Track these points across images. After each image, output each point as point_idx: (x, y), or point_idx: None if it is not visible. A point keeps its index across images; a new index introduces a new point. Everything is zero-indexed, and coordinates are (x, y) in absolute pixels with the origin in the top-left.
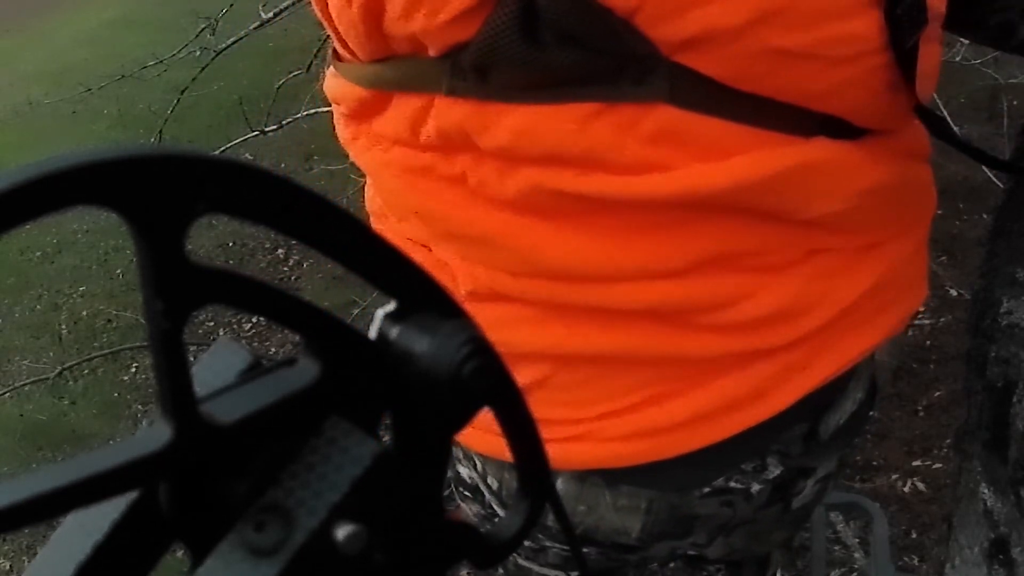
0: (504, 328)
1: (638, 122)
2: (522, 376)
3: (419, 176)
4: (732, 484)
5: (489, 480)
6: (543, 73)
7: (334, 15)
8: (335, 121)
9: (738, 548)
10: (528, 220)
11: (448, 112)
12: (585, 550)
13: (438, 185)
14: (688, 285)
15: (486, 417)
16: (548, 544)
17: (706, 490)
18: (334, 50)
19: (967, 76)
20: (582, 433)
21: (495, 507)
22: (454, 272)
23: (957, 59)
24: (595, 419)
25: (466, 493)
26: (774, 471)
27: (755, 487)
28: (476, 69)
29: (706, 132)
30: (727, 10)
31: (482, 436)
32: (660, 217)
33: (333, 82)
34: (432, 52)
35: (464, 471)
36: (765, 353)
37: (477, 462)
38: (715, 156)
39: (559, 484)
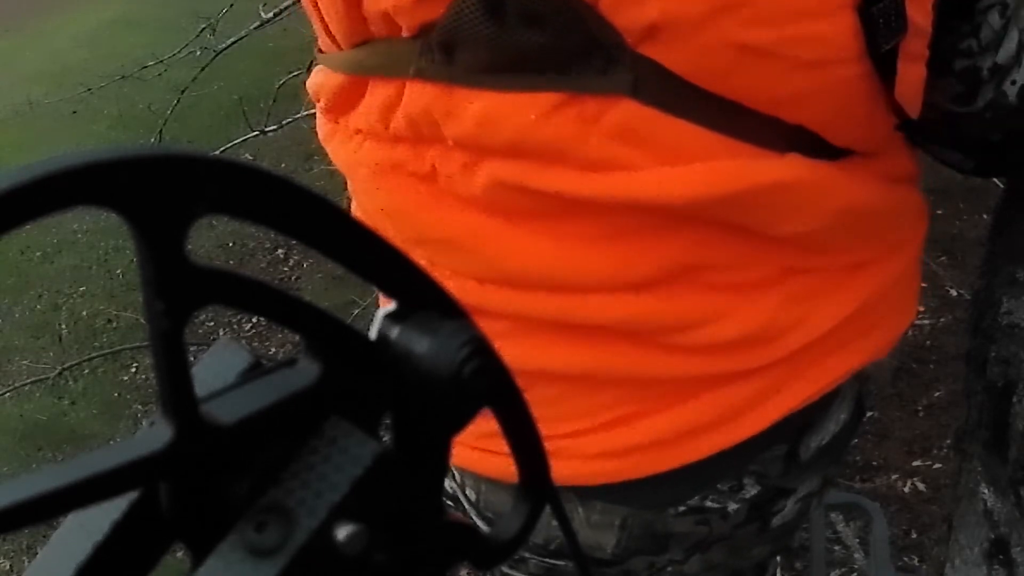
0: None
1: (601, 116)
2: None
3: (389, 173)
4: (708, 503)
5: (467, 492)
6: (507, 55)
7: (322, 3)
8: (316, 122)
9: (717, 564)
10: (495, 222)
11: (417, 97)
12: (563, 563)
13: (407, 182)
14: (655, 301)
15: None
16: (528, 555)
17: (681, 508)
18: (318, 47)
19: None
20: (553, 450)
21: (474, 518)
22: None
23: None
24: (566, 436)
25: (448, 503)
26: (751, 491)
27: (732, 506)
28: (443, 48)
29: (670, 133)
30: None
31: (457, 449)
32: (625, 222)
33: (314, 77)
34: (405, 32)
35: (446, 481)
36: (739, 375)
37: (455, 473)
38: (679, 160)
39: None
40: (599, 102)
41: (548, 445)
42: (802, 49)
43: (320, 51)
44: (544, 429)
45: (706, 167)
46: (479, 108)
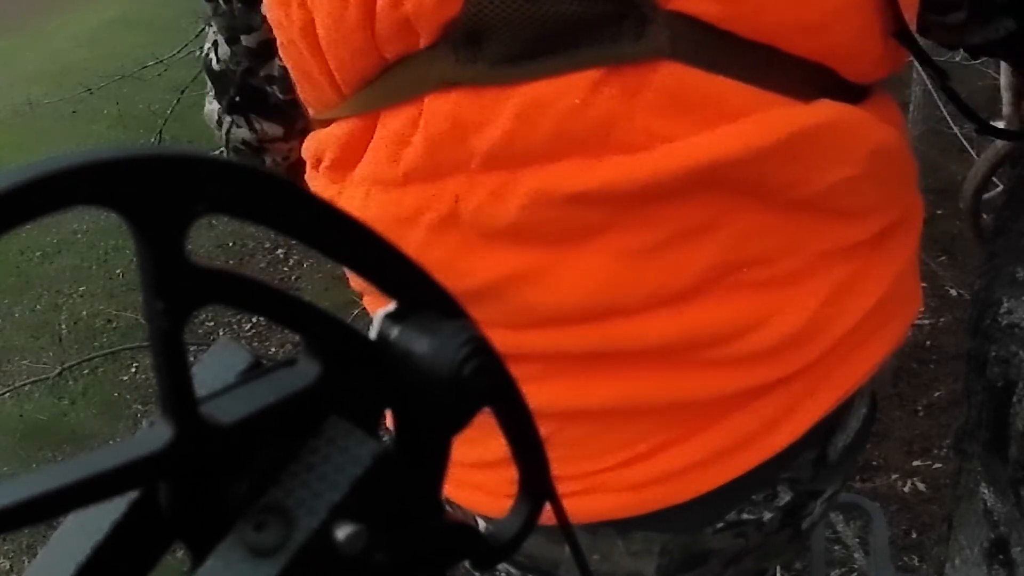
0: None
1: (643, 86)
2: None
3: (406, 227)
4: (744, 516)
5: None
6: (537, 33)
7: (326, 40)
8: (317, 189)
9: (746, 571)
10: (529, 255)
11: (440, 111)
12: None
13: (428, 234)
14: (696, 313)
15: (454, 472)
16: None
17: (719, 525)
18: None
19: (967, 76)
20: (592, 486)
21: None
22: None
23: (957, 59)
24: (604, 471)
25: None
26: (784, 498)
27: (766, 515)
28: (468, 42)
29: (712, 92)
30: None
31: (456, 491)
32: (664, 227)
33: (313, 138)
34: (424, 41)
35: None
36: (775, 384)
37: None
38: (724, 120)
39: None
40: (639, 71)
41: (587, 481)
42: None
43: (314, 115)
44: (581, 466)
45: (752, 120)
46: (517, 103)
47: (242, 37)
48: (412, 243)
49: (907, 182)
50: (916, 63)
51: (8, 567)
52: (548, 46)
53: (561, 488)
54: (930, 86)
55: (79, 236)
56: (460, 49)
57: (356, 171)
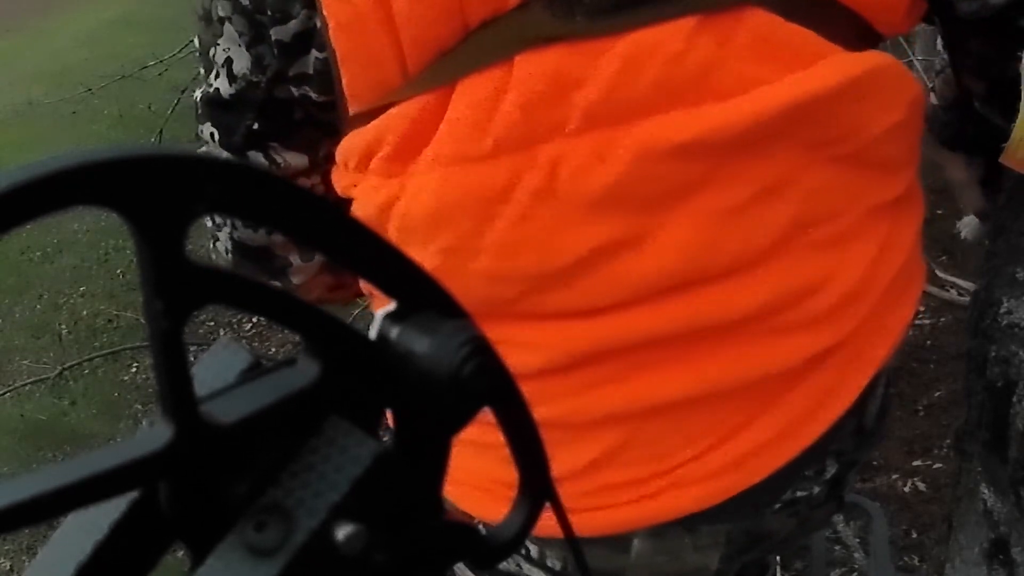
0: (582, 395)
1: (735, 32)
2: (599, 444)
3: (496, 204)
4: (798, 494)
5: (549, 562)
6: None
7: (406, 9)
8: (362, 190)
9: (788, 547)
10: (625, 220)
11: (536, 67)
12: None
13: (522, 210)
14: (771, 275)
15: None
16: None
17: (776, 506)
18: (349, 116)
19: None
20: (664, 486)
21: None
22: (524, 344)
23: None
24: (681, 465)
25: None
26: (831, 470)
27: (815, 490)
28: None
29: (791, 39)
30: None
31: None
32: (749, 184)
33: (356, 138)
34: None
35: (511, 567)
36: (830, 351)
37: (531, 548)
38: (801, 65)
39: (635, 544)
40: (730, 18)
41: (659, 482)
42: None
43: (362, 107)
44: (654, 467)
45: (824, 63)
46: (619, 53)
47: (272, 31)
48: (504, 222)
49: (920, 141)
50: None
51: (8, 567)
52: None
53: (639, 491)
54: (930, 86)
55: (79, 236)
56: (556, 3)
57: (425, 154)
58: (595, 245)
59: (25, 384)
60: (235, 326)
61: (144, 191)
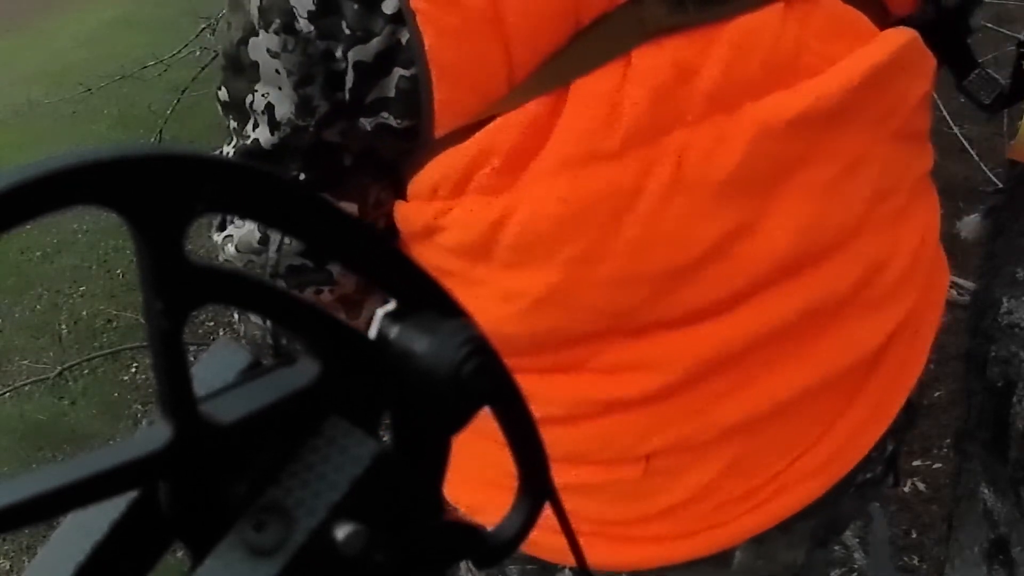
0: (704, 412)
1: (812, 15)
2: (719, 461)
3: (630, 200)
4: (867, 476)
5: None
6: None
7: (518, 10)
8: (463, 212)
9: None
10: (746, 203)
11: (659, 57)
12: None
13: (655, 203)
14: (861, 251)
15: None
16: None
17: (851, 491)
18: (434, 140)
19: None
20: (772, 492)
21: None
22: (644, 363)
23: None
24: (781, 472)
25: None
26: (889, 448)
27: (878, 469)
28: None
29: (851, 19)
30: None
31: (630, 550)
32: (838, 159)
33: (454, 158)
34: None
35: None
36: (899, 328)
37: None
38: (859, 42)
39: (737, 554)
40: (807, 3)
41: (776, 483)
42: None
43: (458, 123)
44: (771, 468)
45: (880, 37)
46: (730, 38)
47: (351, 52)
48: (636, 220)
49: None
50: None
51: (8, 567)
52: None
53: (752, 501)
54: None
55: (79, 236)
56: None
57: (541, 162)
58: (723, 231)
59: (25, 384)
60: (235, 326)
61: (143, 191)
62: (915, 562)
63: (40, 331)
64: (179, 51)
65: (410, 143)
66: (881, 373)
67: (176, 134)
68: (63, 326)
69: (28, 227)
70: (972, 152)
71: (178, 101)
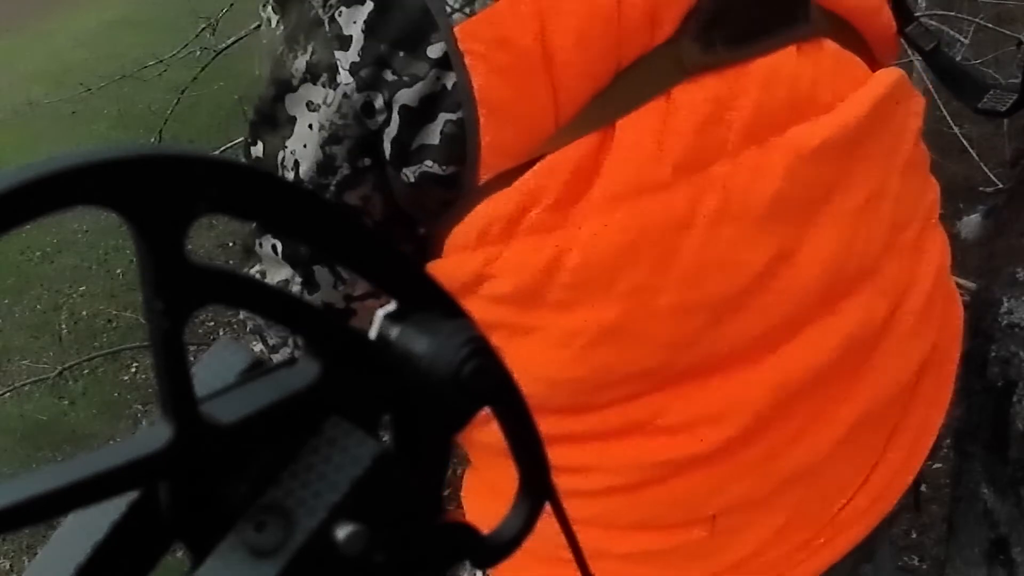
0: (766, 464)
1: (821, 56)
2: (782, 512)
3: (682, 229)
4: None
5: None
6: (757, 8)
7: (565, 49)
8: (516, 251)
9: None
10: (785, 229)
11: (697, 94)
12: None
13: (706, 232)
14: (887, 279)
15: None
16: None
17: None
18: (478, 185)
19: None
20: (832, 533)
21: None
22: (707, 416)
23: (957, 59)
24: (839, 512)
25: None
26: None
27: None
28: (706, 28)
29: (850, 61)
30: None
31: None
32: (860, 188)
33: (504, 199)
34: (664, 34)
35: None
36: (930, 354)
37: None
38: (858, 83)
39: None
40: (814, 46)
41: (829, 529)
42: None
43: (507, 165)
44: (824, 514)
45: (877, 74)
46: (758, 76)
47: (396, 96)
48: (689, 248)
49: None
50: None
51: (8, 567)
52: (759, 28)
53: (812, 545)
54: (930, 87)
55: (79, 236)
56: (700, 37)
57: (593, 197)
58: (767, 258)
59: (25, 384)
60: (235, 326)
61: (144, 191)
62: (915, 562)
63: (40, 331)
64: (179, 51)
65: (452, 192)
66: (916, 406)
67: (176, 134)
68: (63, 326)
69: (28, 227)
70: (972, 152)
71: (178, 101)
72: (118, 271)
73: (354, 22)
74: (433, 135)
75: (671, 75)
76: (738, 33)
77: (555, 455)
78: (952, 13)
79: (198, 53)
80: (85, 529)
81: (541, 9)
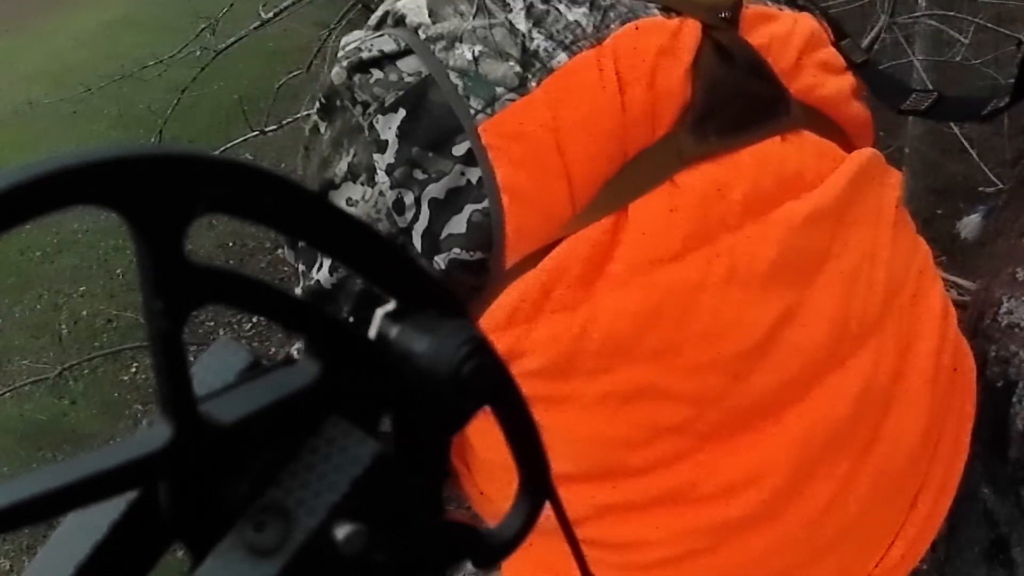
0: (809, 529)
1: (802, 144)
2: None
3: (696, 294)
4: None
5: None
6: (743, 105)
7: (576, 141)
8: (543, 332)
9: None
10: (788, 291)
11: (698, 179)
12: None
13: (717, 295)
14: (889, 332)
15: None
16: None
17: None
18: (504, 269)
19: (967, 76)
20: (896, 558)
21: None
22: (746, 480)
23: (957, 59)
24: (873, 571)
25: None
26: None
27: None
28: (699, 121)
29: (827, 148)
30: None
31: None
32: (852, 252)
33: (531, 279)
34: (662, 130)
35: None
36: (942, 413)
37: None
38: (836, 164)
39: None
40: (796, 136)
41: (883, 567)
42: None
43: (530, 249)
44: (867, 565)
45: (852, 154)
46: (751, 162)
47: (426, 191)
48: (705, 308)
49: None
50: (916, 63)
51: (8, 567)
52: (747, 121)
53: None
54: (930, 87)
55: (79, 236)
56: (695, 130)
57: (612, 271)
58: (775, 316)
59: (25, 384)
60: (235, 326)
61: (143, 191)
62: None
63: (40, 331)
64: (179, 51)
65: (481, 277)
66: (938, 462)
67: (176, 134)
68: (63, 326)
69: (28, 227)
70: (972, 152)
71: (178, 101)
72: (118, 271)
73: (389, 127)
74: (460, 224)
75: (672, 164)
76: (728, 126)
77: (603, 531)
78: (952, 13)
79: (198, 53)
80: (85, 529)
81: (553, 106)
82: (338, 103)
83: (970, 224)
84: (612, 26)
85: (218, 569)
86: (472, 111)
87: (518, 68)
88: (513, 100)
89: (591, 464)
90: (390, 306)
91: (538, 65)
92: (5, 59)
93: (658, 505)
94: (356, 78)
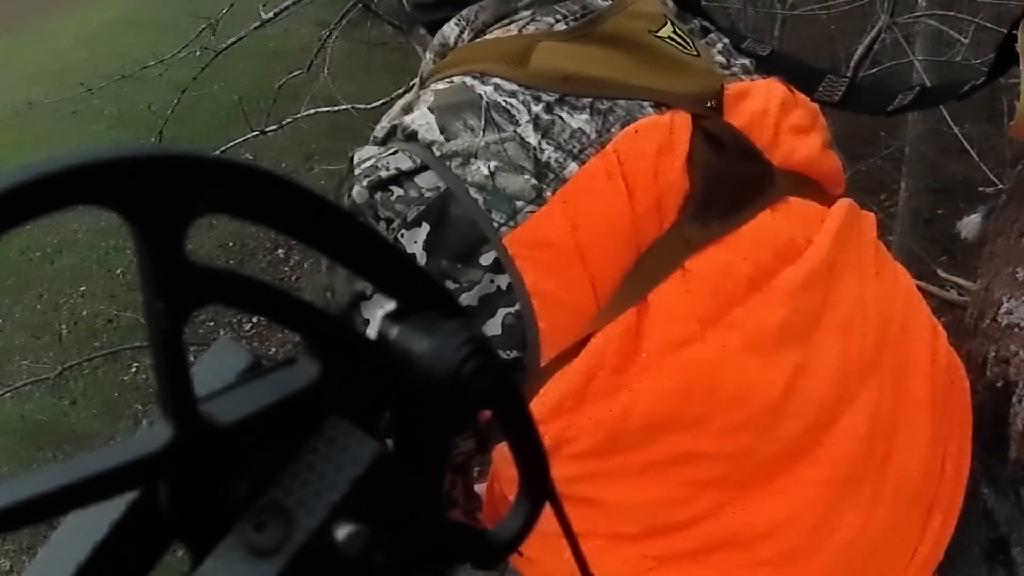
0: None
1: (789, 212)
2: None
3: (723, 364)
4: None
5: None
6: (736, 187)
7: (591, 242)
8: (589, 418)
9: None
10: (797, 348)
11: (707, 263)
12: None
13: (738, 361)
14: (886, 369)
15: None
16: None
17: None
18: (539, 368)
19: (967, 76)
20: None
21: None
22: (775, 528)
23: (957, 59)
24: (909, 563)
25: None
26: None
27: None
28: (700, 210)
29: (811, 210)
30: (797, 148)
31: None
32: (841, 306)
33: (571, 372)
34: (669, 221)
35: None
36: (941, 437)
37: None
38: (820, 223)
39: None
40: (784, 205)
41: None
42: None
43: (562, 346)
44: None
45: (831, 212)
46: (751, 238)
47: (460, 299)
48: (730, 376)
49: None
50: (916, 63)
51: (8, 567)
52: (742, 200)
53: None
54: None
55: (79, 236)
56: (698, 217)
57: (642, 355)
58: (790, 372)
59: (25, 384)
60: (235, 326)
61: (144, 191)
62: None
63: (40, 331)
64: (179, 51)
65: (518, 376)
66: (944, 487)
67: (176, 134)
68: (63, 326)
69: (28, 227)
70: (972, 152)
71: (178, 101)
72: (118, 271)
73: (415, 241)
74: (495, 327)
75: (682, 252)
76: (726, 209)
77: None
78: (952, 13)
79: (198, 53)
80: (85, 529)
81: (570, 215)
82: (362, 220)
83: (970, 224)
84: (613, 130)
85: (218, 569)
86: (496, 224)
87: (534, 180)
88: (533, 212)
89: (645, 524)
90: (390, 306)
91: (551, 176)
92: (5, 59)
93: (711, 551)
94: (378, 196)
